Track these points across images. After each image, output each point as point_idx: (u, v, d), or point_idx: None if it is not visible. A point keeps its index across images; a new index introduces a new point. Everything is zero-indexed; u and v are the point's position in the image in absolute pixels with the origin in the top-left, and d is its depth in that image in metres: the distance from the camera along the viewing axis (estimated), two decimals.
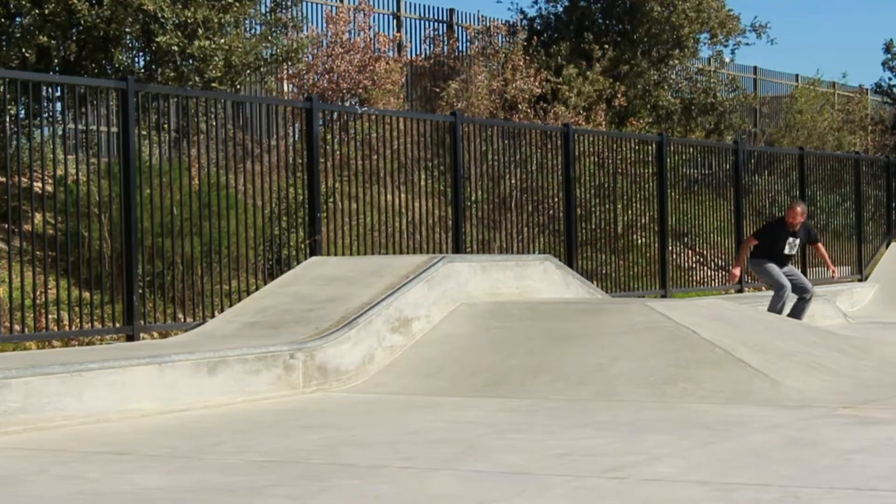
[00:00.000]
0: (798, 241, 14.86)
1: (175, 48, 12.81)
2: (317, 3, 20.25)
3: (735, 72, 27.82)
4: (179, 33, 12.91)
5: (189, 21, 12.95)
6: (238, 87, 13.84)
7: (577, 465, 6.81)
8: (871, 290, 20.61)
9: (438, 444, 7.57)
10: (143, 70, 13.34)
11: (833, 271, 15.59)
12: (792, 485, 6.14)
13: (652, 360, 9.99)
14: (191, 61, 13.06)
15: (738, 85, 25.87)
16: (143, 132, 11.60)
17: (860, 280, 21.96)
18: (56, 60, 12.87)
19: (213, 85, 13.17)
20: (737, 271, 15.17)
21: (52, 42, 12.63)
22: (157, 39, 12.75)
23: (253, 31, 14.68)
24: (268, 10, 14.73)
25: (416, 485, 6.40)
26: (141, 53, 13.45)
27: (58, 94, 12.52)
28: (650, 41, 23.08)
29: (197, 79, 13.05)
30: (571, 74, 20.99)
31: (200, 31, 12.97)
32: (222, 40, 13.21)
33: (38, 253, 11.57)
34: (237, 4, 13.43)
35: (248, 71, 13.78)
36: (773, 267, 14.59)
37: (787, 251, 14.73)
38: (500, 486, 6.35)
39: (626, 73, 22.55)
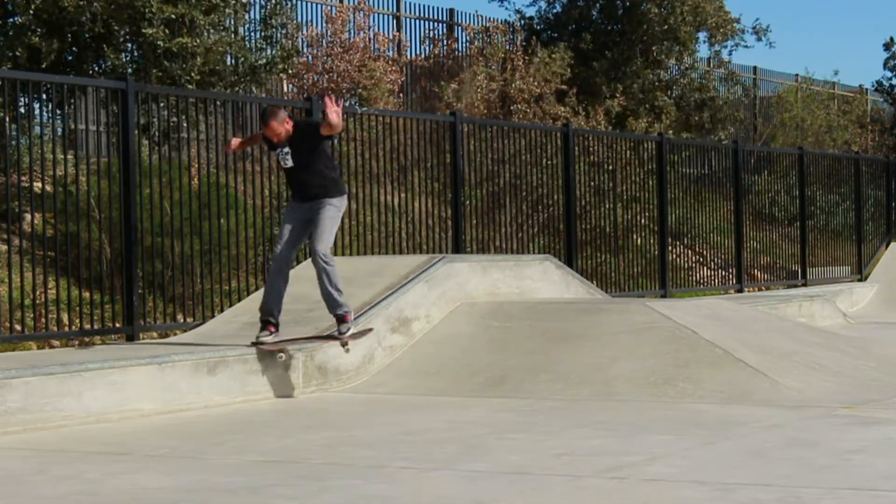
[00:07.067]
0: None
1: (160, 42, 12.72)
2: (316, 3, 20.25)
3: (735, 71, 27.79)
4: (167, 30, 12.84)
5: (175, 18, 12.86)
6: (238, 88, 13.81)
7: (577, 465, 6.81)
8: (870, 290, 20.60)
9: (438, 444, 7.57)
10: (134, 67, 13.28)
11: None
12: (792, 485, 6.14)
13: (652, 359, 9.99)
14: (180, 61, 13.00)
15: (737, 78, 25.71)
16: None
17: (860, 280, 21.95)
18: (46, 62, 12.80)
19: (213, 88, 13.13)
20: None
21: (43, 42, 12.57)
22: (144, 31, 12.65)
23: (248, 35, 14.61)
24: (262, 17, 14.65)
25: (416, 485, 6.40)
26: (132, 50, 13.36)
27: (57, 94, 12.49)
28: (647, 42, 23.03)
29: (188, 77, 12.98)
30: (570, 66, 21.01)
31: (185, 30, 12.91)
32: (210, 39, 13.14)
33: (38, 253, 11.56)
34: (222, 4, 13.33)
35: (248, 77, 13.75)
36: None
37: None
38: (499, 486, 6.35)
39: (623, 73, 22.52)
